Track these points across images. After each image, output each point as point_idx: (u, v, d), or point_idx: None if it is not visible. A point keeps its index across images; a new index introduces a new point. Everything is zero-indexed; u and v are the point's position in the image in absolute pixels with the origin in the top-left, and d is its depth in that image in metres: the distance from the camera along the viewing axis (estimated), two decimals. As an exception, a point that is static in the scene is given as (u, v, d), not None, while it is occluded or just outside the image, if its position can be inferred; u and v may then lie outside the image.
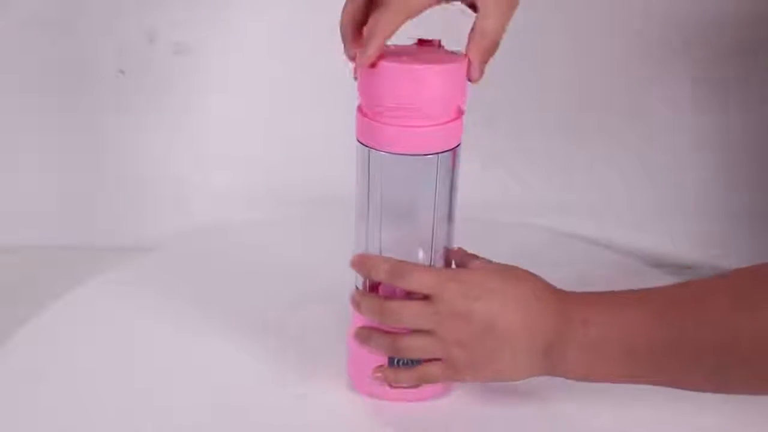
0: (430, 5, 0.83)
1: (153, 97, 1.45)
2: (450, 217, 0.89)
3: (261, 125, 1.45)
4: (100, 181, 1.50)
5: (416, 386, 0.91)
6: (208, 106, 1.47)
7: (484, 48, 0.83)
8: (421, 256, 0.89)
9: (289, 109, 1.44)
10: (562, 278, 0.88)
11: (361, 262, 0.87)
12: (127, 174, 1.49)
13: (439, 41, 0.88)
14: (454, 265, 0.92)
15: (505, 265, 0.88)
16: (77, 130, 1.48)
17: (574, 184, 1.41)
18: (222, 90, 1.45)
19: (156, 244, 1.31)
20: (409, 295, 0.86)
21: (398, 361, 0.89)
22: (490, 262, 0.90)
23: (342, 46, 0.87)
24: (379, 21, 0.81)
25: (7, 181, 1.51)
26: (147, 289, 1.11)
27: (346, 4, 0.86)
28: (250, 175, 1.46)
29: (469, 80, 0.84)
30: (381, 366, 0.90)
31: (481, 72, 0.84)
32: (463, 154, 0.87)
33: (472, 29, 0.84)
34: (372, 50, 0.80)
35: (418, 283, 0.85)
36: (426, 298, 0.85)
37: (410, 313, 0.85)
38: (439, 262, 0.90)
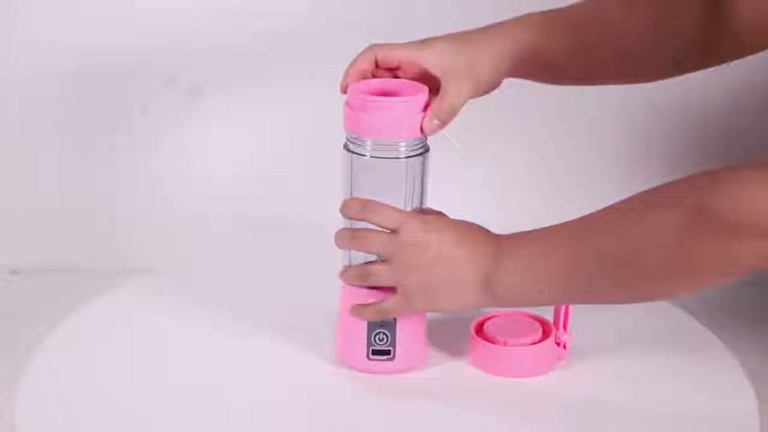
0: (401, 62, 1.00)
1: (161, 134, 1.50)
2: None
3: (259, 161, 1.50)
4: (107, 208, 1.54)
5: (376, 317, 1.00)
6: (210, 143, 1.52)
7: (440, 121, 0.98)
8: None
9: (284, 149, 1.50)
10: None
11: (341, 206, 0.99)
12: (133, 201, 1.53)
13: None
14: None
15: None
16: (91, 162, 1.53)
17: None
18: (224, 129, 1.50)
19: (163, 265, 1.32)
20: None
21: (375, 337, 1.00)
22: None
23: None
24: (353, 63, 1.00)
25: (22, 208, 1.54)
26: (151, 306, 1.13)
27: (356, 60, 1.00)
28: (245, 206, 1.51)
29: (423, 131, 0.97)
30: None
31: (433, 130, 0.97)
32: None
33: (438, 95, 0.98)
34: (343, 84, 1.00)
35: (385, 217, 0.97)
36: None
37: (376, 238, 0.97)
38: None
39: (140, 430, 0.94)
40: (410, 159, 0.97)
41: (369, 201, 0.97)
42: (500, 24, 1.02)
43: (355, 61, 1.00)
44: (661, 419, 0.95)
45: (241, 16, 1.51)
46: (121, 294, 1.16)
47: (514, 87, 1.06)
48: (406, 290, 0.97)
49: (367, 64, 0.99)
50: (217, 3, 1.51)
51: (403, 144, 0.97)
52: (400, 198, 0.97)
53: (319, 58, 1.46)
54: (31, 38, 1.51)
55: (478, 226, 0.98)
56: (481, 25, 1.03)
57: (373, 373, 1.00)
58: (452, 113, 0.98)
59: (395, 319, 0.98)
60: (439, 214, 1.01)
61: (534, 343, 1.01)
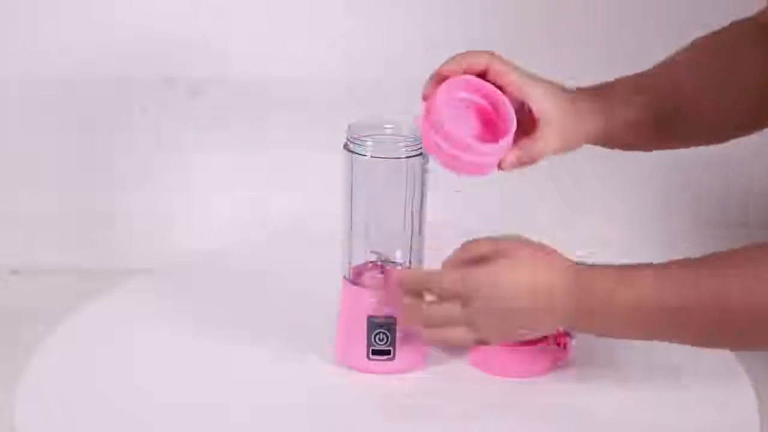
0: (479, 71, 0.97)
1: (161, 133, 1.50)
2: (421, 216, 1.00)
3: (259, 161, 1.50)
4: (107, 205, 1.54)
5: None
6: (210, 143, 1.52)
7: (524, 160, 0.98)
8: (399, 254, 1.01)
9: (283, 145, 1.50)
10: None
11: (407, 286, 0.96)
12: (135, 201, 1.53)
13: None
14: None
15: (532, 246, 0.95)
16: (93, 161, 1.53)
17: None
18: (224, 129, 1.50)
19: (163, 265, 1.32)
20: None
21: (375, 337, 0.99)
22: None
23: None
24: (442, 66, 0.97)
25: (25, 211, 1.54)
26: (151, 306, 1.13)
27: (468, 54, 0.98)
28: (246, 206, 1.51)
29: (500, 168, 0.97)
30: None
31: (512, 167, 0.97)
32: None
33: (530, 138, 0.97)
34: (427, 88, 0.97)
35: (446, 288, 0.93)
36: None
37: (448, 315, 0.93)
38: (416, 256, 1.01)
39: (140, 430, 0.94)
40: (410, 159, 0.97)
41: (425, 273, 0.96)
42: (604, 94, 1.02)
43: (467, 54, 0.97)
44: (660, 419, 0.95)
45: (241, 16, 1.51)
46: (121, 294, 1.16)
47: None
48: (486, 341, 0.96)
49: (476, 66, 0.97)
50: (217, 3, 1.52)
51: (402, 145, 0.97)
52: (400, 198, 0.97)
53: (319, 58, 1.46)
54: (31, 38, 1.51)
55: (551, 261, 0.94)
56: (481, 43, 1.02)
57: (373, 373, 1.00)
58: (534, 161, 0.98)
59: (395, 319, 0.99)
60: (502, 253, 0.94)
61: (534, 343, 1.01)
